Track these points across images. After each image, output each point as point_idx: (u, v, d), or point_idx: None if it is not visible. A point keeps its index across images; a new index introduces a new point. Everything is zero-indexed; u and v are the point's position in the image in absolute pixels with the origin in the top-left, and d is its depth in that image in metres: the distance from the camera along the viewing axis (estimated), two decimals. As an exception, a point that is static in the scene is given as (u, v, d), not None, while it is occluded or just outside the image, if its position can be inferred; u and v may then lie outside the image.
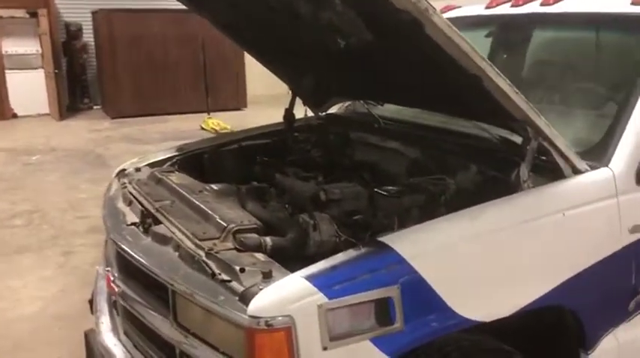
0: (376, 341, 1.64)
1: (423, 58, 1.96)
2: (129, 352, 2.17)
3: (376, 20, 1.92)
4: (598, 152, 2.09)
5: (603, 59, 2.48)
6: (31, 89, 11.50)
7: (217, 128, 9.71)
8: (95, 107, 12.60)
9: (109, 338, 2.26)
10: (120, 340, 2.25)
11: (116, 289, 2.17)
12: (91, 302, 2.61)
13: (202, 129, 9.98)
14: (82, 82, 12.46)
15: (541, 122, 1.89)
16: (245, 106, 12.40)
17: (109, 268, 2.29)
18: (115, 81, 11.49)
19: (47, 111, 11.60)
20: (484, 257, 1.80)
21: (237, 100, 12.30)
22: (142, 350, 2.12)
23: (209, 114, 10.45)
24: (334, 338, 1.59)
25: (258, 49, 3.00)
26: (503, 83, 1.79)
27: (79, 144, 9.08)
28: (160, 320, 1.91)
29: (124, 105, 11.46)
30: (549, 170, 2.01)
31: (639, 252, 2.06)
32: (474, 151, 2.33)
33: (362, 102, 3.04)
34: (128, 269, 2.14)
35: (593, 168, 2.03)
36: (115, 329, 2.32)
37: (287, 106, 3.23)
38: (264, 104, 11.98)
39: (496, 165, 2.16)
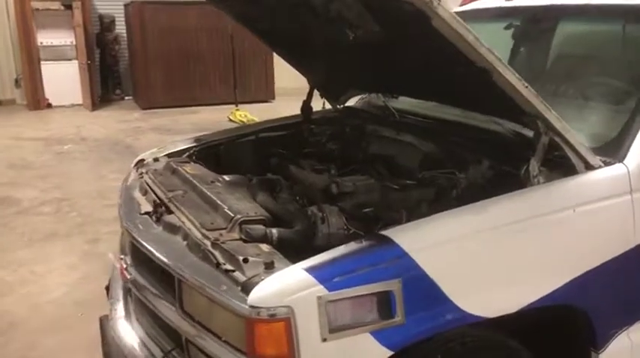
0: (377, 335, 1.64)
1: (433, 50, 1.94)
2: (140, 338, 2.21)
3: (383, 12, 1.91)
4: (613, 148, 2.04)
5: (624, 53, 2.41)
6: (65, 80, 11.72)
7: (245, 120, 9.77)
8: (127, 98, 12.79)
9: (121, 325, 2.31)
10: (132, 326, 2.30)
11: (128, 276, 2.21)
12: (107, 288, 2.66)
13: (230, 120, 10.06)
14: (114, 73, 12.66)
15: (552, 116, 1.85)
16: (273, 98, 12.45)
17: (122, 256, 2.34)
18: (146, 72, 11.64)
19: (80, 101, 11.82)
20: (489, 252, 1.78)
21: (265, 92, 12.36)
22: (152, 336, 2.16)
23: (237, 105, 10.52)
24: (334, 330, 1.60)
25: (274, 40, 3.02)
26: (512, 76, 1.76)
27: (109, 134, 9.24)
28: (167, 307, 1.95)
29: (154, 96, 11.61)
30: (562, 165, 1.97)
31: (655, 250, 2.01)
32: (487, 145, 2.30)
33: (378, 95, 3.03)
34: (139, 257, 2.18)
35: (607, 164, 1.99)
36: (128, 316, 2.37)
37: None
38: (291, 96, 11.87)
39: (508, 160, 2.13)
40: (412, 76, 2.43)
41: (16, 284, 4.17)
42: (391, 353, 1.66)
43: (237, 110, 10.31)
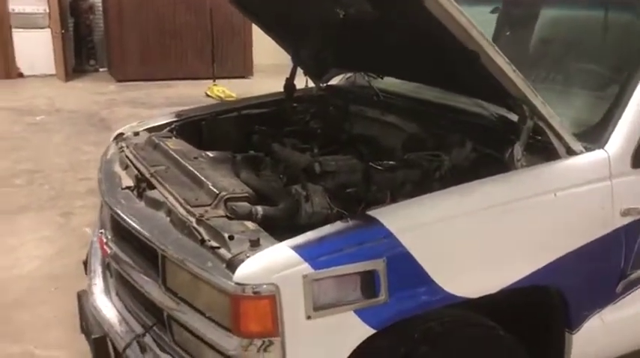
0: (360, 313, 1.66)
1: (422, 31, 1.94)
2: (120, 313, 2.20)
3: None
4: (595, 134, 2.08)
5: (608, 40, 2.44)
6: (37, 49, 11.41)
7: (222, 96, 9.66)
8: (101, 69, 12.53)
9: (100, 300, 2.29)
10: (112, 301, 2.28)
11: (108, 251, 2.19)
12: (85, 263, 2.63)
13: (207, 96, 9.94)
14: (88, 43, 12.38)
15: (537, 101, 1.88)
16: (251, 75, 12.31)
17: (102, 230, 2.31)
18: (122, 44, 11.40)
19: (53, 71, 11.53)
20: (472, 234, 1.81)
21: (243, 68, 12.21)
22: (132, 312, 2.15)
23: (214, 81, 10.39)
24: (318, 308, 1.61)
25: (259, 15, 2.97)
26: (502, 61, 1.77)
27: (83, 106, 9.06)
28: (149, 283, 1.93)
29: (130, 68, 11.39)
30: (544, 150, 2.00)
31: (630, 235, 2.06)
32: (471, 128, 2.32)
33: (362, 74, 3.01)
34: (121, 232, 2.15)
35: (588, 149, 2.02)
36: (107, 291, 2.35)
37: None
38: (270, 73, 11.82)
39: (492, 143, 2.15)
40: (399, 57, 2.43)
41: (-12, 258, 4.10)
42: (374, 331, 1.68)
43: (215, 85, 10.19)
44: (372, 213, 1.74)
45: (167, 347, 1.91)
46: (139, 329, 2.06)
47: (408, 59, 2.36)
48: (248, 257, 1.61)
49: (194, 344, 1.78)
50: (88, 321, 2.29)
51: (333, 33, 2.57)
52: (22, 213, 4.90)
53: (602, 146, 2.03)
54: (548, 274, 1.91)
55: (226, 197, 1.91)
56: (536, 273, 1.88)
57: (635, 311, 2.16)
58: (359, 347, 1.69)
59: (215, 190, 1.96)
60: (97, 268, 2.49)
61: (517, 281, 1.85)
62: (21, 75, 11.42)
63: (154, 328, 1.98)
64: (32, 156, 6.42)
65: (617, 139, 2.03)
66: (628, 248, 2.06)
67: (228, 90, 9.95)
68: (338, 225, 1.71)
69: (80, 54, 12.48)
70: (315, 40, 2.81)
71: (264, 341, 1.61)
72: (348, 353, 1.67)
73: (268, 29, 3.01)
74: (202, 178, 2.07)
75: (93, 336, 2.14)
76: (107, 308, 2.25)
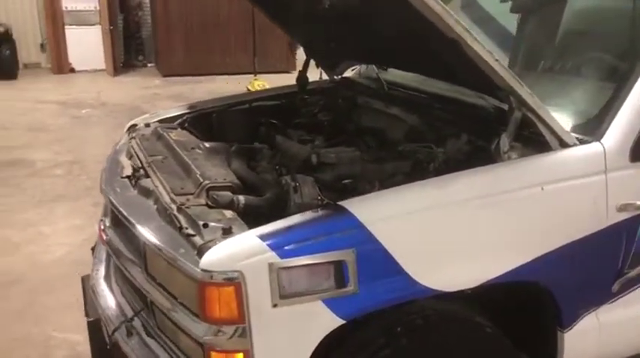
0: (328, 302, 1.65)
1: (409, 21, 1.91)
2: (116, 298, 2.26)
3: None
4: (593, 126, 1.99)
5: (616, 30, 2.34)
6: (88, 45, 11.82)
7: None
8: (149, 65, 12.87)
9: (100, 285, 2.37)
10: (111, 287, 2.35)
11: (104, 237, 2.26)
12: (93, 249, 2.72)
13: (248, 90, 10.06)
14: (137, 39, 12.75)
15: (523, 92, 1.82)
16: (294, 69, 12.34)
17: (102, 218, 2.39)
18: (168, 39, 11.68)
19: (103, 66, 11.93)
20: (448, 227, 1.77)
21: (286, 63, 12.27)
22: (127, 297, 2.21)
23: (255, 75, 10.50)
24: (285, 296, 1.61)
25: (269, 8, 2.99)
26: (481, 49, 1.73)
27: (127, 100, 9.34)
28: (136, 269, 1.99)
29: (175, 63, 11.66)
30: (537, 142, 1.94)
31: (627, 231, 1.97)
32: (470, 120, 2.27)
33: (372, 66, 2.99)
34: (115, 219, 2.22)
35: (583, 142, 1.94)
36: (108, 277, 2.42)
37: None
38: (312, 68, 11.93)
39: (486, 135, 2.10)
40: (398, 48, 2.40)
41: (23, 244, 4.30)
42: (343, 321, 1.66)
43: (256, 80, 10.29)
44: (343, 203, 1.73)
45: (153, 332, 1.96)
46: (130, 314, 2.12)
47: (405, 51, 2.33)
48: (216, 244, 1.63)
49: (172, 330, 1.82)
50: (88, 305, 2.37)
51: (334, 24, 2.56)
52: (57, 201, 5.11)
53: (598, 139, 1.94)
54: (534, 270, 1.85)
55: (209, 186, 1.94)
56: (520, 269, 1.82)
57: (634, 312, 2.07)
58: (337, 338, 1.69)
59: (201, 179, 1.99)
60: (102, 255, 2.57)
61: (499, 276, 1.80)
62: (72, 70, 11.86)
63: (142, 313, 2.03)
64: (73, 147, 6.68)
65: (615, 132, 1.94)
66: (625, 245, 1.98)
67: (268, 85, 10.03)
68: (308, 215, 1.71)
69: (129, 49, 12.85)
70: (320, 31, 2.80)
71: (237, 328, 1.63)
72: (317, 342, 1.66)
73: (278, 21, 3.02)
74: (193, 167, 2.11)
75: (88, 319, 2.22)
76: (105, 292, 2.31)
